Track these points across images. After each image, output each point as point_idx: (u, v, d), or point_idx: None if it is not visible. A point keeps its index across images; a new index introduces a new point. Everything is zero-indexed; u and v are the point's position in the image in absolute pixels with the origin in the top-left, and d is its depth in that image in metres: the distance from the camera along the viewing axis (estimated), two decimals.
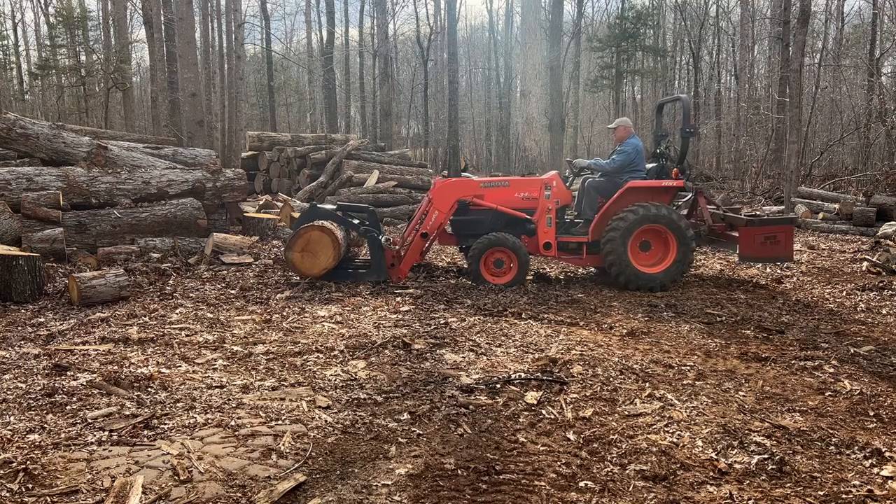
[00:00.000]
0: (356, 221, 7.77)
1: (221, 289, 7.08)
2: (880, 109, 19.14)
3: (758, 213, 11.67)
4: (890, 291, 7.53)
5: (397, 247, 7.73)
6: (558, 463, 3.16)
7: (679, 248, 7.47)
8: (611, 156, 8.03)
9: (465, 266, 8.02)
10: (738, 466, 3.14)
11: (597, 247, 7.60)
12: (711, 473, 3.08)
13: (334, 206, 8.09)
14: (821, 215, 13.66)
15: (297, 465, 3.09)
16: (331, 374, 4.39)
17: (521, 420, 3.68)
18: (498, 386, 4.16)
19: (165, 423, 3.54)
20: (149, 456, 3.16)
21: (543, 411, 3.80)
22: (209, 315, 5.96)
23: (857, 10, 53.86)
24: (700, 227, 8.01)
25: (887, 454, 3.29)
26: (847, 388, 4.25)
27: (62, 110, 28.21)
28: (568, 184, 7.99)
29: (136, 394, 3.95)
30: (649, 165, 7.99)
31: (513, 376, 4.32)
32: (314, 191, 15.51)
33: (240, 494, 2.83)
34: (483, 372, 4.46)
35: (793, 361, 4.83)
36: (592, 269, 8.63)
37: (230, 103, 24.67)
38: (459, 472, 3.06)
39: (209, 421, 3.57)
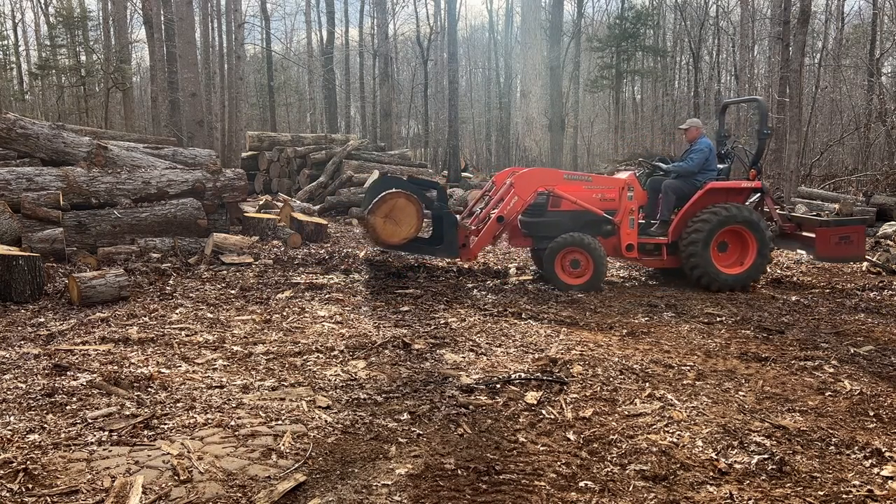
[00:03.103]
0: (429, 196, 7.48)
1: (221, 289, 7.08)
2: (880, 109, 19.15)
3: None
4: (890, 291, 7.53)
5: (473, 227, 7.60)
6: (558, 463, 3.16)
7: (759, 248, 7.52)
8: (686, 156, 8.03)
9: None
10: (738, 466, 3.14)
11: (676, 248, 7.60)
12: (711, 473, 3.08)
13: (405, 178, 7.85)
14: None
15: (297, 465, 3.09)
16: (331, 374, 4.39)
17: (521, 420, 3.68)
18: (498, 386, 4.16)
19: (165, 423, 3.54)
20: (149, 456, 3.16)
21: (543, 411, 3.80)
22: (209, 315, 5.96)
23: (857, 10, 53.87)
24: (770, 228, 8.06)
25: (887, 454, 3.29)
26: (847, 388, 4.25)
27: (62, 110, 28.20)
28: (643, 185, 7.97)
29: (136, 394, 3.95)
30: (720, 166, 8.04)
31: (513, 376, 4.32)
32: (314, 191, 15.52)
33: (240, 494, 2.83)
34: (483, 372, 4.46)
35: (793, 361, 4.83)
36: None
37: (230, 103, 24.66)
38: (459, 472, 3.06)
39: (209, 421, 3.57)
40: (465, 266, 8.61)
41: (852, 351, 5.13)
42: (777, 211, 8.29)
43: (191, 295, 6.76)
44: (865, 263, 9.10)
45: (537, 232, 7.64)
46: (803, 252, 7.97)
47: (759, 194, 8.10)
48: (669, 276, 8.26)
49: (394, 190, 7.06)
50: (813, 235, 7.85)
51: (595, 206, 7.55)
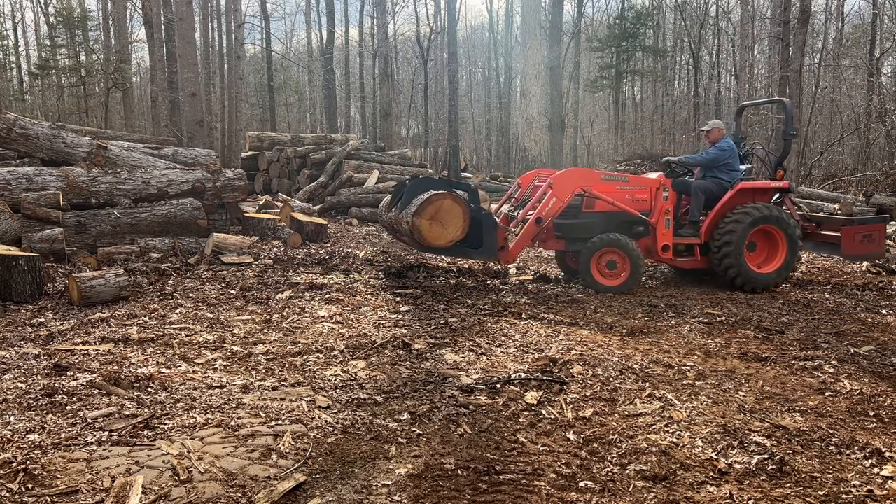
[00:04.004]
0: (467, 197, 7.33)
1: (221, 289, 7.08)
2: (880, 109, 19.16)
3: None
4: (890, 291, 7.54)
5: (514, 229, 7.53)
6: (558, 463, 3.16)
7: (789, 247, 7.55)
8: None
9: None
10: (738, 466, 3.14)
11: (708, 248, 7.61)
12: (711, 473, 3.08)
13: (438, 178, 7.72)
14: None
15: (297, 465, 3.09)
16: (331, 374, 4.39)
17: (521, 420, 3.68)
18: (498, 386, 4.16)
19: (165, 423, 3.54)
20: (149, 456, 3.16)
21: (543, 411, 3.80)
22: (209, 315, 5.96)
23: (857, 10, 53.90)
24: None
25: (887, 454, 3.29)
26: (847, 388, 4.25)
27: (62, 110, 28.21)
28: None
29: (136, 394, 3.95)
30: (742, 167, 8.07)
31: (513, 376, 4.32)
32: (314, 191, 15.51)
33: (240, 494, 2.83)
34: (483, 372, 4.46)
35: (793, 361, 4.83)
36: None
37: (230, 103, 24.66)
38: (459, 472, 3.06)
39: (209, 421, 3.57)
40: (466, 266, 8.61)
41: (852, 351, 5.13)
42: (796, 211, 8.32)
43: (191, 295, 6.76)
44: (865, 263, 9.12)
45: (571, 234, 7.56)
46: (810, 252, 8.00)
47: (778, 194, 8.14)
48: (669, 277, 8.26)
49: (440, 191, 6.87)
50: (835, 234, 7.92)
51: (628, 206, 7.53)
